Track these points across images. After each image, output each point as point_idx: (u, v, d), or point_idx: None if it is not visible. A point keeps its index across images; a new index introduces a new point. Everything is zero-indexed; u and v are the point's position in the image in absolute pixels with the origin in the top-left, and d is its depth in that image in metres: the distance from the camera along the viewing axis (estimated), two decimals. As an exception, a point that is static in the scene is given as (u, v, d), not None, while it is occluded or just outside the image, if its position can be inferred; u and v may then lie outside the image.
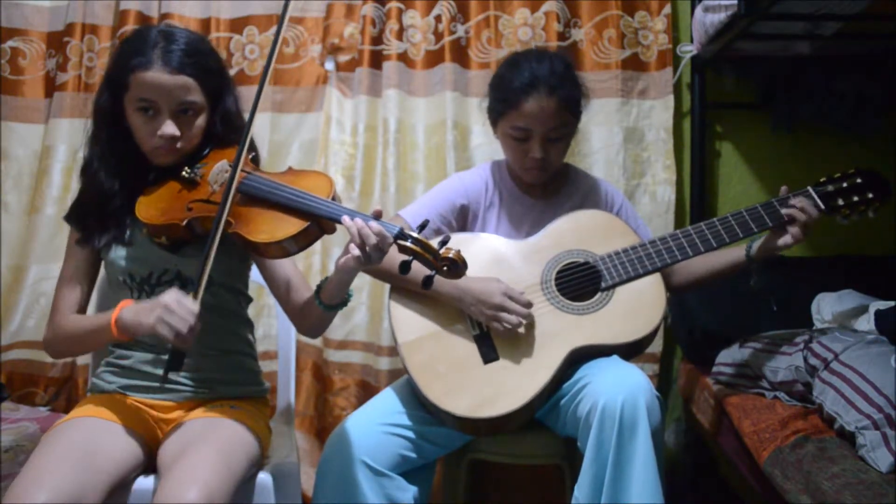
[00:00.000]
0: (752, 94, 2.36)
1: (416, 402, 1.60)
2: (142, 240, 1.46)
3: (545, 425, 1.64)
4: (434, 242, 1.26)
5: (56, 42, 2.32)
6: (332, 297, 1.43)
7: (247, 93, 2.00)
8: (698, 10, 2.14)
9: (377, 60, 2.28)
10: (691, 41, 2.27)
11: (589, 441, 1.42)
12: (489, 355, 1.58)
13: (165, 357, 1.45)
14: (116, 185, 1.46)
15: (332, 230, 1.37)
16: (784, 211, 1.57)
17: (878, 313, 1.71)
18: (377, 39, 2.28)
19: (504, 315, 1.55)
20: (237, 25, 2.33)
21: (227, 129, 1.48)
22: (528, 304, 1.57)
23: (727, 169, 2.38)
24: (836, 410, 1.45)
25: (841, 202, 1.58)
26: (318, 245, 2.20)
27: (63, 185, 2.26)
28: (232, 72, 2.29)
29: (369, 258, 1.30)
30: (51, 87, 2.32)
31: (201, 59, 1.43)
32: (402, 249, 1.27)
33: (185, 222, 1.38)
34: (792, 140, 2.33)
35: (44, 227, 2.24)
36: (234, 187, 1.35)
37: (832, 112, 2.26)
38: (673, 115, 2.28)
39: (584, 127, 2.20)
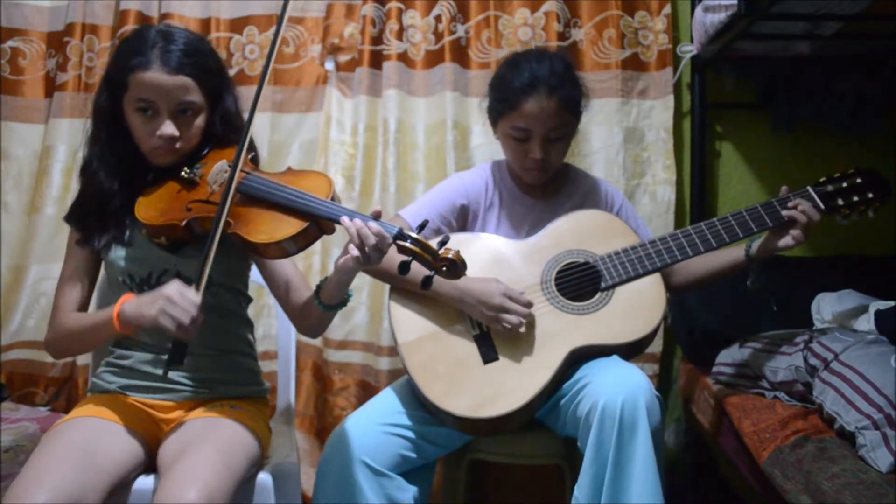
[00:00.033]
0: (752, 94, 2.36)
1: (416, 402, 1.60)
2: (141, 240, 1.46)
3: (545, 425, 1.64)
4: (433, 243, 1.26)
5: (56, 42, 2.32)
6: (331, 298, 1.44)
7: (247, 93, 2.01)
8: (698, 10, 2.14)
9: (377, 60, 2.28)
10: (691, 41, 2.27)
11: (589, 441, 1.42)
12: (489, 355, 1.58)
13: (165, 357, 1.45)
14: (116, 186, 1.46)
15: (331, 230, 1.37)
16: (784, 213, 1.57)
17: (878, 313, 1.71)
18: (377, 39, 2.28)
19: (504, 316, 1.55)
20: (237, 25, 2.33)
21: (227, 129, 1.48)
22: (529, 304, 1.57)
23: (727, 169, 2.38)
24: (836, 410, 1.45)
25: (841, 202, 1.58)
26: (317, 245, 2.20)
27: (63, 185, 2.26)
28: (232, 72, 2.29)
29: (368, 258, 1.30)
30: (51, 87, 2.32)
31: (200, 59, 1.43)
32: (402, 250, 1.26)
33: (184, 223, 1.38)
34: (792, 140, 2.33)
35: (44, 227, 2.24)
36: (234, 187, 1.35)
37: (832, 112, 2.26)
38: (673, 115, 2.28)
39: (584, 127, 2.20)
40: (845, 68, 2.23)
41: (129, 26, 2.23)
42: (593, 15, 2.30)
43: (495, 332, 1.59)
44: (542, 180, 1.74)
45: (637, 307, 1.60)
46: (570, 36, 2.30)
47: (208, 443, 1.32)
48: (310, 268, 2.27)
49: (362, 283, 2.24)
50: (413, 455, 1.55)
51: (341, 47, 2.32)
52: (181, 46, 1.40)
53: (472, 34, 2.30)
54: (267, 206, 1.37)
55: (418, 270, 1.28)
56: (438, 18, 2.29)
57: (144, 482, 1.37)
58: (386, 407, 1.60)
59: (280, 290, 1.55)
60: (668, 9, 2.29)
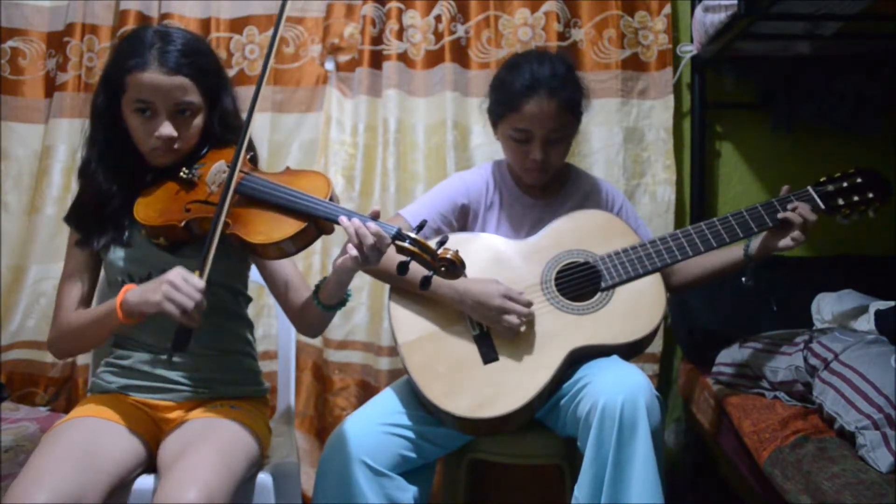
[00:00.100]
0: (752, 94, 2.36)
1: (416, 402, 1.60)
2: (140, 241, 1.46)
3: (545, 425, 1.64)
4: (432, 243, 1.26)
5: (56, 42, 2.32)
6: (330, 298, 1.44)
7: (247, 93, 2.01)
8: (698, 10, 2.14)
9: (377, 60, 2.28)
10: (691, 41, 2.27)
11: (589, 441, 1.42)
12: (489, 355, 1.58)
13: (164, 357, 1.45)
14: (114, 187, 1.46)
15: (330, 231, 1.37)
16: (780, 216, 1.57)
17: (878, 313, 1.71)
18: (377, 39, 2.28)
19: (505, 317, 1.55)
20: (237, 25, 2.33)
21: (225, 129, 1.48)
22: (528, 304, 1.57)
23: (727, 169, 2.38)
24: (836, 410, 1.45)
25: (841, 202, 1.58)
26: (317, 245, 2.20)
27: (63, 185, 2.26)
28: (232, 72, 2.29)
29: (367, 259, 1.30)
30: (51, 87, 2.32)
31: (198, 59, 1.42)
32: (400, 250, 1.26)
33: (183, 223, 1.38)
34: (792, 140, 2.33)
35: (44, 227, 2.24)
36: (233, 188, 1.35)
37: (832, 112, 2.26)
38: (673, 115, 2.28)
39: (584, 127, 2.20)
40: (845, 68, 2.23)
41: (129, 26, 2.23)
42: (593, 15, 2.30)
43: (495, 333, 1.59)
44: (543, 181, 1.73)
45: (637, 307, 1.60)
46: (570, 36, 2.30)
47: (208, 443, 1.32)
48: (310, 268, 2.27)
49: (362, 283, 2.24)
50: (413, 455, 1.55)
51: (341, 47, 2.32)
52: (179, 47, 1.40)
53: (472, 34, 2.30)
54: (265, 206, 1.37)
55: (417, 270, 1.28)
56: (438, 18, 2.29)
57: (144, 482, 1.37)
58: (386, 407, 1.60)
59: (279, 290, 1.55)
60: (668, 9, 2.29)
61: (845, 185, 1.59)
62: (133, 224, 1.45)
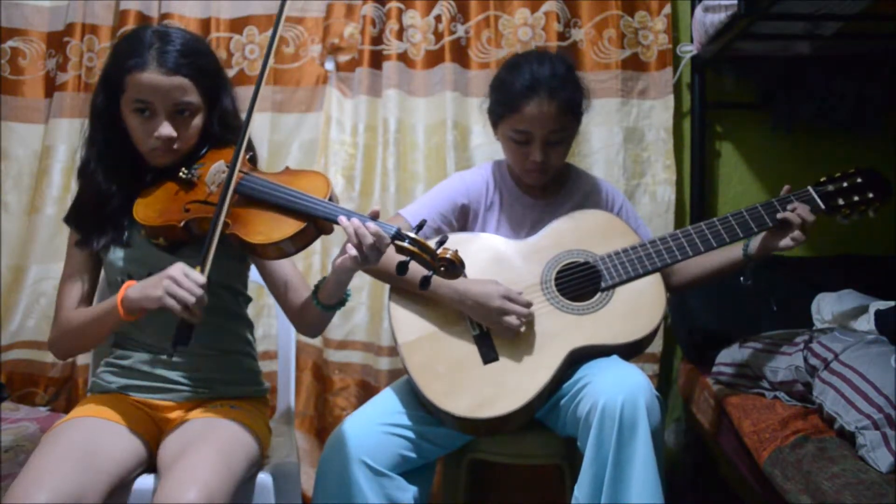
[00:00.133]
0: (752, 94, 2.36)
1: (415, 402, 1.60)
2: (140, 241, 1.46)
3: (545, 425, 1.64)
4: (431, 243, 1.26)
5: (56, 42, 2.32)
6: (329, 298, 1.43)
7: (247, 93, 2.00)
8: (698, 10, 2.14)
9: (377, 60, 2.28)
10: (691, 41, 2.27)
11: (589, 441, 1.42)
12: (489, 355, 1.58)
13: (164, 357, 1.45)
14: (114, 187, 1.46)
15: (329, 231, 1.37)
16: (780, 216, 1.56)
17: (878, 313, 1.71)
18: (377, 39, 2.28)
19: (505, 318, 1.55)
20: (237, 25, 2.33)
21: (225, 129, 1.48)
22: (528, 305, 1.57)
23: (727, 169, 2.38)
24: (836, 410, 1.45)
25: (841, 202, 1.58)
26: (317, 245, 2.20)
27: (63, 185, 2.26)
28: (232, 72, 2.29)
29: (366, 258, 1.30)
30: (51, 87, 2.32)
31: (197, 59, 1.42)
32: (400, 250, 1.26)
33: (182, 223, 1.38)
34: (792, 140, 2.33)
35: (44, 227, 2.24)
36: (232, 188, 1.35)
37: (832, 112, 2.26)
38: (673, 115, 2.28)
39: (584, 127, 2.19)
40: (845, 68, 2.23)
41: (129, 26, 2.23)
42: (593, 15, 2.30)
43: (495, 333, 1.59)
44: (543, 182, 1.73)
45: (637, 307, 1.60)
46: (570, 36, 2.30)
47: (208, 443, 1.32)
48: (309, 268, 2.27)
49: (362, 283, 2.24)
50: (413, 455, 1.55)
51: (341, 47, 2.32)
52: (178, 47, 1.40)
53: (472, 34, 2.30)
54: (265, 206, 1.36)
55: (417, 270, 1.28)
56: (438, 18, 2.28)
57: (144, 482, 1.37)
58: (386, 407, 1.60)
59: (278, 290, 1.55)
60: (668, 9, 2.29)
61: (845, 184, 1.59)
62: (133, 224, 1.45)
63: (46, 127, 2.29)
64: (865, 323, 1.74)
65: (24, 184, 2.31)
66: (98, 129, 1.46)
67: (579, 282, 1.64)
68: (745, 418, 1.64)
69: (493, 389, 1.53)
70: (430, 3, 2.29)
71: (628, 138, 2.28)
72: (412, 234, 1.27)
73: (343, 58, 2.32)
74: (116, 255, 1.47)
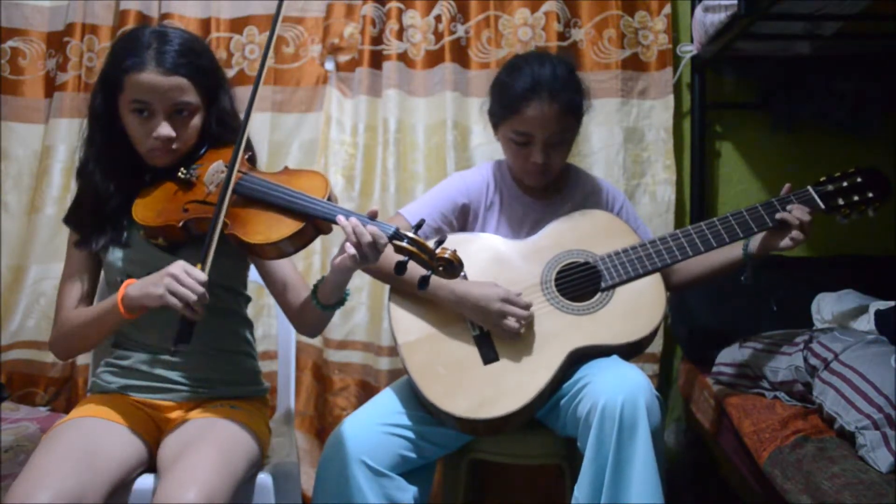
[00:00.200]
0: (752, 94, 2.36)
1: (415, 402, 1.60)
2: (139, 241, 1.46)
3: (545, 425, 1.64)
4: (430, 243, 1.26)
5: (56, 42, 2.32)
6: (328, 297, 1.43)
7: (247, 93, 1.99)
8: (698, 10, 2.14)
9: (377, 60, 2.28)
10: (691, 41, 2.27)
11: (589, 441, 1.42)
12: (489, 356, 1.58)
13: (164, 357, 1.45)
14: (112, 187, 1.46)
15: (328, 230, 1.37)
16: (779, 216, 1.56)
17: (878, 313, 1.71)
18: (377, 39, 2.28)
19: (505, 322, 1.55)
20: (237, 25, 2.33)
21: (223, 129, 1.48)
22: (527, 307, 1.57)
23: (727, 169, 2.38)
24: (836, 410, 1.45)
25: (841, 201, 1.58)
26: (317, 244, 2.20)
27: (63, 185, 2.26)
28: (232, 72, 2.29)
29: (365, 258, 1.30)
30: (51, 87, 2.32)
31: (195, 59, 1.42)
32: (398, 249, 1.26)
33: (181, 223, 1.38)
34: (792, 140, 2.33)
35: (44, 227, 2.24)
36: (231, 188, 1.35)
37: (832, 112, 2.26)
38: (673, 115, 2.28)
39: (585, 127, 2.19)
40: (845, 68, 2.23)
41: (129, 26, 2.23)
42: (593, 15, 2.30)
43: (495, 333, 1.59)
44: (543, 183, 1.73)
45: (637, 307, 1.60)
46: (570, 36, 2.30)
47: (208, 443, 1.32)
48: (310, 267, 2.27)
49: (362, 283, 2.24)
50: (413, 455, 1.55)
51: (341, 47, 2.32)
52: (176, 47, 1.40)
53: (472, 34, 2.30)
54: (263, 206, 1.37)
55: (415, 270, 1.28)
56: (438, 18, 2.28)
57: (145, 481, 1.37)
58: (386, 407, 1.60)
59: (277, 290, 1.55)
60: (668, 9, 2.29)
61: (845, 184, 1.59)
62: (132, 224, 1.45)
63: (46, 127, 2.29)
64: (865, 323, 1.74)
65: (24, 184, 2.31)
66: (96, 129, 1.46)
67: (579, 282, 1.64)
68: (745, 418, 1.64)
69: (494, 390, 1.53)
70: (430, 3, 2.29)
71: (628, 138, 2.28)
72: (411, 234, 1.27)
73: (343, 58, 2.32)
74: (116, 255, 1.47)
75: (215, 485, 1.23)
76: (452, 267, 1.26)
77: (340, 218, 1.31)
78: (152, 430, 1.45)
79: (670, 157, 2.28)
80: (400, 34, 2.28)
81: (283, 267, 1.55)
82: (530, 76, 1.62)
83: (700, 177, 2.31)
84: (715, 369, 1.88)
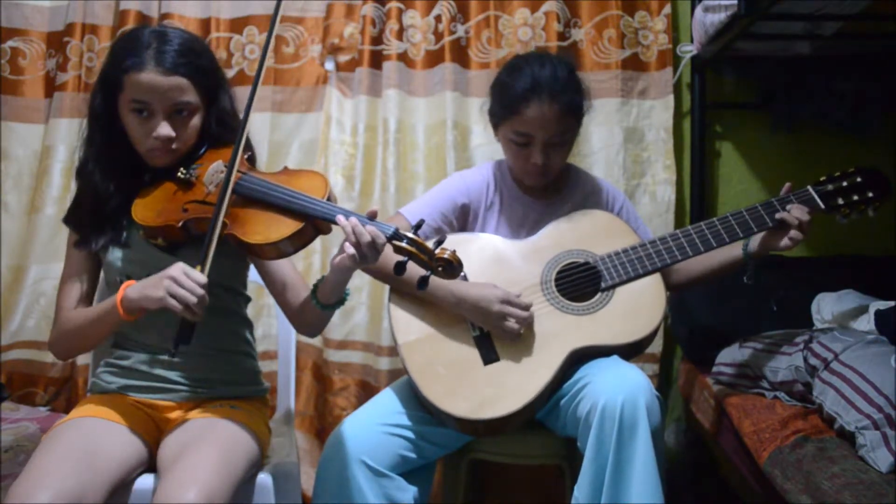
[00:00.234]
0: (752, 94, 2.36)
1: (415, 402, 1.60)
2: (139, 241, 1.46)
3: (545, 425, 1.64)
4: (430, 243, 1.26)
5: (56, 42, 2.32)
6: (328, 297, 1.43)
7: (247, 93, 2.00)
8: (698, 10, 2.14)
9: (377, 60, 2.28)
10: (691, 41, 2.27)
11: (589, 441, 1.42)
12: (489, 356, 1.58)
13: (164, 357, 1.45)
14: (112, 187, 1.46)
15: (327, 230, 1.37)
16: (778, 216, 1.56)
17: (878, 313, 1.71)
18: (377, 39, 2.28)
19: (505, 323, 1.55)
20: (237, 25, 2.33)
21: (223, 129, 1.48)
22: (527, 308, 1.57)
23: (727, 169, 2.38)
24: (836, 410, 1.45)
25: (841, 201, 1.58)
26: (317, 244, 2.20)
27: (63, 185, 2.26)
28: (232, 72, 2.29)
29: (365, 257, 1.30)
30: (51, 87, 2.32)
31: (195, 59, 1.42)
32: (397, 250, 1.26)
33: (180, 223, 1.38)
34: (792, 140, 2.33)
35: (44, 227, 2.24)
36: (230, 188, 1.35)
37: (832, 112, 2.26)
38: (673, 115, 2.28)
39: (585, 127, 2.17)
40: (845, 68, 2.23)
41: (129, 26, 2.23)
42: (593, 15, 2.30)
43: (495, 334, 1.59)
44: (543, 183, 1.73)
45: (637, 307, 1.60)
46: (570, 36, 2.30)
47: (208, 443, 1.32)
48: (309, 267, 2.27)
49: (362, 283, 2.24)
50: (413, 455, 1.55)
51: (341, 47, 2.32)
52: (175, 47, 1.40)
53: (472, 34, 2.30)
54: (263, 206, 1.37)
55: (415, 270, 1.28)
56: (438, 18, 2.28)
57: (145, 481, 1.37)
58: (386, 407, 1.60)
59: (277, 290, 1.55)
60: (668, 9, 2.29)
61: (845, 184, 1.59)
62: (131, 224, 1.45)
63: (46, 127, 2.29)
64: (865, 323, 1.74)
65: (24, 184, 2.31)
66: (96, 129, 1.46)
67: (579, 282, 1.64)
68: (745, 418, 1.64)
69: (494, 390, 1.53)
70: (430, 3, 2.29)
71: (628, 138, 2.28)
72: (410, 234, 1.27)
73: (343, 58, 2.32)
74: (115, 255, 1.47)
75: (215, 485, 1.23)
76: (452, 267, 1.26)
77: (340, 218, 1.31)
78: (152, 430, 1.45)
79: (670, 157, 2.28)
80: (400, 34, 2.28)
81: (283, 267, 1.55)
82: (530, 76, 1.62)
83: (700, 177, 2.31)
84: (715, 369, 1.88)
